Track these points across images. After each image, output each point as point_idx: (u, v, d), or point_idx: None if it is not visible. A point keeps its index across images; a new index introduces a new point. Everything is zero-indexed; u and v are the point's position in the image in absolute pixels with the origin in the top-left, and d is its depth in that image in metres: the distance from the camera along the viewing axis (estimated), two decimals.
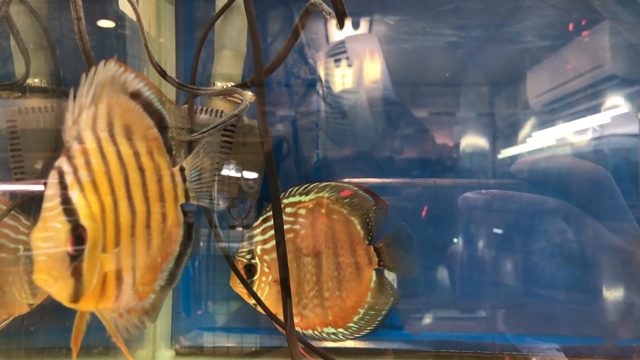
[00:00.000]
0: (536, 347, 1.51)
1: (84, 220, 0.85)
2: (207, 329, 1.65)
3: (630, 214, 1.42)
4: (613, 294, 1.47)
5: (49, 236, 0.83)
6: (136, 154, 0.96)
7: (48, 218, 0.84)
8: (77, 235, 0.85)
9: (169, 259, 1.03)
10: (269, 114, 1.65)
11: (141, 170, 0.97)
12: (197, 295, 1.67)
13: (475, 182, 1.58)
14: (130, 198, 0.94)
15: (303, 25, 1.16)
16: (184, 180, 1.06)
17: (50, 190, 0.84)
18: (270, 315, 1.32)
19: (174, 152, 1.05)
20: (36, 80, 1.31)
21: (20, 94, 1.29)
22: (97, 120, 0.91)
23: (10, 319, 1.28)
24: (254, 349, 1.61)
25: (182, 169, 1.06)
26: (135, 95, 0.97)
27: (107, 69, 0.92)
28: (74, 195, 0.85)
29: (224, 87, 1.34)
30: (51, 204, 0.84)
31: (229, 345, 1.63)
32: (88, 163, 0.88)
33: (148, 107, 0.99)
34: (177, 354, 1.62)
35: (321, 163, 1.64)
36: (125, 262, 0.93)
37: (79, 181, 0.87)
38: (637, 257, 1.41)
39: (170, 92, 1.60)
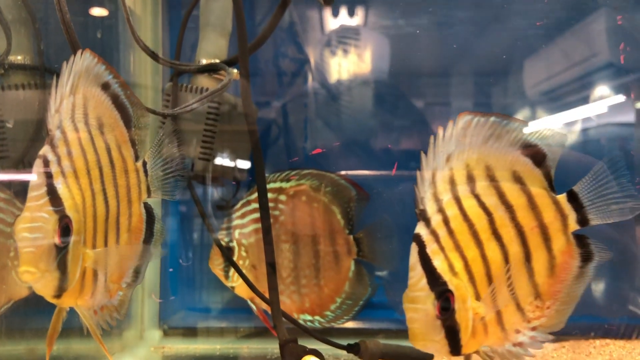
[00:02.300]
0: None
1: (69, 211, 0.84)
2: (193, 309, 1.66)
3: None
4: (604, 281, 1.49)
5: (36, 227, 0.81)
6: (108, 148, 0.95)
7: (34, 208, 0.82)
8: (64, 226, 0.83)
9: (134, 256, 1.02)
10: (257, 94, 1.65)
11: (112, 164, 0.96)
12: (184, 277, 1.67)
13: None
14: (104, 192, 0.93)
15: None
16: (146, 174, 1.05)
17: (35, 180, 0.83)
18: (257, 292, 1.31)
19: (137, 146, 1.04)
20: (18, 57, 1.29)
21: (1, 71, 1.28)
22: (75, 111, 0.90)
23: (11, 302, 1.27)
24: (241, 330, 1.61)
25: (144, 164, 1.05)
26: (105, 87, 0.97)
27: (83, 59, 0.91)
28: (59, 185, 0.84)
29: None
30: (37, 193, 0.83)
31: (222, 326, 1.63)
32: (70, 154, 0.87)
33: (115, 99, 0.99)
34: (165, 334, 1.62)
35: (310, 144, 1.64)
36: (100, 258, 0.92)
37: (62, 171, 0.86)
38: (630, 247, 1.42)
39: (158, 69, 1.59)
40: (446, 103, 1.65)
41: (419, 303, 0.82)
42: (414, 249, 0.83)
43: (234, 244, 1.40)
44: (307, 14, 1.64)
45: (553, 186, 0.92)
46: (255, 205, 1.36)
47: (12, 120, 1.24)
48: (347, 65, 1.62)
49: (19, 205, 1.28)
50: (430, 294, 0.81)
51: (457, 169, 0.86)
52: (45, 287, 0.85)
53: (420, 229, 0.83)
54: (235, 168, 1.46)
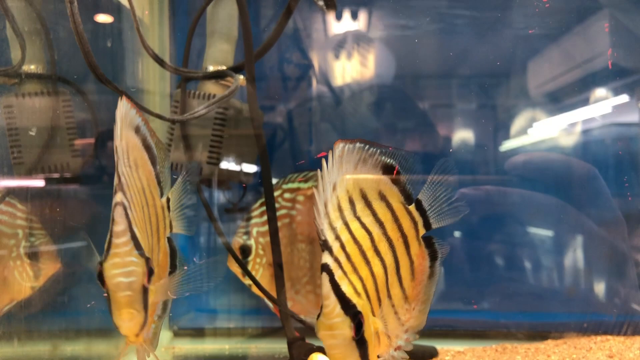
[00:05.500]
0: (524, 323, 1.56)
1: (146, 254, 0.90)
2: (202, 311, 1.68)
3: (617, 208, 1.45)
4: (597, 279, 1.52)
5: (130, 271, 0.86)
6: (143, 188, 1.00)
7: (124, 253, 0.87)
8: (150, 268, 0.89)
9: (166, 290, 1.06)
10: (262, 98, 1.68)
11: (147, 203, 1.01)
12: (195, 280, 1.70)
13: (470, 178, 1.59)
14: (145, 231, 0.98)
15: (295, 5, 1.19)
16: (169, 210, 1.09)
17: (120, 226, 0.87)
18: (264, 291, 1.34)
19: (161, 184, 1.09)
20: (32, 67, 1.33)
21: (17, 80, 1.32)
22: (124, 155, 0.95)
23: (13, 303, 1.30)
24: (249, 330, 1.64)
25: (167, 200, 1.09)
26: (137, 130, 1.01)
27: (123, 105, 0.96)
28: (135, 229, 0.89)
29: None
30: (124, 239, 0.87)
31: (230, 326, 1.66)
32: (132, 198, 0.93)
33: (144, 141, 1.03)
34: (175, 334, 1.65)
35: (315, 147, 1.66)
36: (157, 292, 0.98)
37: (134, 216, 0.90)
38: (620, 246, 1.45)
39: (165, 76, 1.63)
40: (450, 105, 1.67)
41: (337, 329, 0.84)
42: (325, 278, 0.85)
43: (252, 242, 1.43)
44: (310, 19, 1.67)
45: (410, 197, 1.02)
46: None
47: (35, 128, 1.28)
48: (350, 69, 1.65)
49: (19, 206, 1.31)
50: (345, 318, 0.84)
51: (341, 196, 0.91)
52: (136, 327, 0.89)
53: (326, 258, 0.86)
54: (242, 171, 1.49)
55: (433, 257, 1.03)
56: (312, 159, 1.66)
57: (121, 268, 0.85)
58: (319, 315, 0.86)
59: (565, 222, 1.52)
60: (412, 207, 1.02)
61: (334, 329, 0.84)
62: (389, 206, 0.98)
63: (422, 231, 1.02)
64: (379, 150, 0.97)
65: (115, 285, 0.85)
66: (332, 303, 0.84)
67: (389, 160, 0.99)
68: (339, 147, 0.91)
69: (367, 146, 0.95)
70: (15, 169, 1.32)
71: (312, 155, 1.66)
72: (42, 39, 1.30)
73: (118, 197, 0.87)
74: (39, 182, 1.34)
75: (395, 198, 1.00)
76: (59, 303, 1.40)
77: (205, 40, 1.42)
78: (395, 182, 1.00)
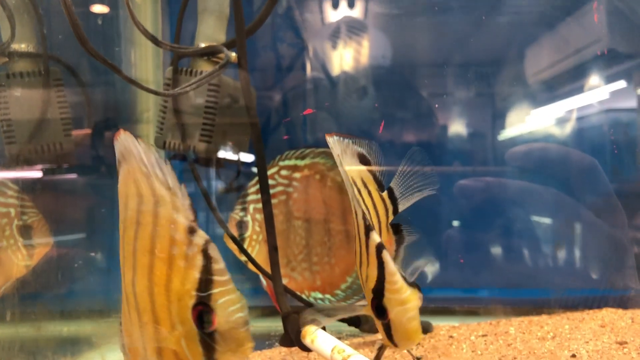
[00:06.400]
0: (518, 300, 1.56)
1: None
2: None
3: (616, 198, 1.47)
4: (594, 264, 1.54)
5: (243, 305, 0.83)
6: None
7: (232, 289, 0.83)
8: None
9: None
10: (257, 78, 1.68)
11: None
12: None
13: (470, 170, 1.60)
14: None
15: None
16: None
17: (221, 264, 0.83)
18: (259, 268, 1.35)
19: None
20: (22, 45, 1.32)
21: (7, 59, 1.31)
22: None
23: (9, 282, 1.30)
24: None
25: None
26: None
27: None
28: None
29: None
30: (228, 277, 0.83)
31: None
32: None
33: None
34: None
35: (310, 136, 1.67)
36: None
37: None
38: (618, 235, 1.46)
39: (160, 65, 1.63)
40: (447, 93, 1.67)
41: (409, 302, 0.86)
42: (386, 256, 0.86)
43: (248, 218, 1.42)
44: (307, 2, 1.67)
45: (381, 184, 1.07)
46: (271, 181, 1.40)
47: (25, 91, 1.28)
48: (346, 55, 1.65)
49: (10, 185, 1.31)
50: (413, 289, 0.86)
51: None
52: None
53: (377, 237, 0.87)
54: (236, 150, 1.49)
55: (399, 242, 1.08)
56: (305, 139, 1.66)
57: (237, 304, 0.83)
58: (381, 296, 0.86)
59: (563, 212, 1.54)
60: (384, 194, 1.06)
61: (406, 302, 0.86)
62: (369, 194, 1.02)
63: (391, 217, 1.06)
64: (351, 141, 1.01)
65: (235, 322, 0.82)
66: (399, 279, 0.85)
67: (359, 149, 1.03)
68: (329, 141, 0.95)
69: (342, 138, 0.99)
70: (8, 149, 1.31)
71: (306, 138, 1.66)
72: (32, 15, 1.29)
73: (203, 234, 0.83)
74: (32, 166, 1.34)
75: (372, 186, 1.04)
76: (53, 284, 1.40)
77: (197, 22, 1.41)
78: (370, 170, 1.05)
